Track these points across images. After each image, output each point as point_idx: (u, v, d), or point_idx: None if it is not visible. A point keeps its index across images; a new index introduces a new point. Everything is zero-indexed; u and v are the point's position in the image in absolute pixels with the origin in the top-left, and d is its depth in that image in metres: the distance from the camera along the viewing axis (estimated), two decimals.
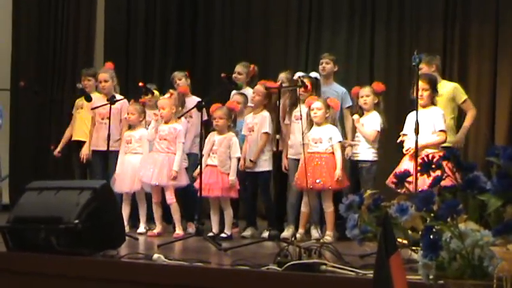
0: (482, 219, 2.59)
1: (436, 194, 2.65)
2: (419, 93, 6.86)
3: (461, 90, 7.60)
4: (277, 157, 7.38)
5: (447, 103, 7.39)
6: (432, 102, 7.00)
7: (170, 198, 7.60)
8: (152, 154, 7.71)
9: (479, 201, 2.57)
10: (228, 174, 7.43)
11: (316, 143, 7.31)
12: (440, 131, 6.91)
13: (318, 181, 7.22)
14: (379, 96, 7.53)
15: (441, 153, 3.22)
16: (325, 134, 7.34)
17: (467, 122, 7.64)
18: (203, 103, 7.22)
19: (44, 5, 10.92)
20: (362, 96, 7.47)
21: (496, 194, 2.51)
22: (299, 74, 7.64)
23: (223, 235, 7.33)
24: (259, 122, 7.64)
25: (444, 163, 2.79)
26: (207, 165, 7.45)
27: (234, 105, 7.71)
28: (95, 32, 10.90)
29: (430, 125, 6.88)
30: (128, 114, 7.99)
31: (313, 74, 7.72)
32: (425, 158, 2.79)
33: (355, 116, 7.46)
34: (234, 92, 8.11)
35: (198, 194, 7.12)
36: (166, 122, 7.69)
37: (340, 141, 7.36)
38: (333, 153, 7.31)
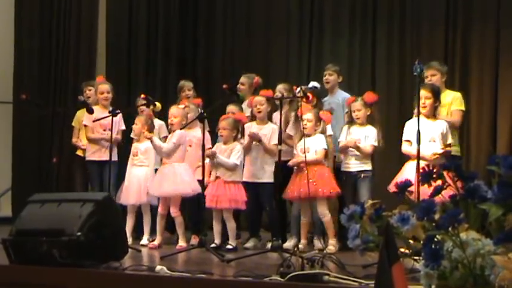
0: (484, 229, 2.59)
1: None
2: (422, 101, 6.87)
3: (460, 100, 7.49)
4: (279, 168, 7.36)
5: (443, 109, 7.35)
6: (434, 113, 7.00)
7: (175, 211, 7.59)
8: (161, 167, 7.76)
9: (481, 210, 2.57)
10: (233, 182, 7.43)
11: (303, 152, 7.29)
12: (448, 144, 6.96)
13: (320, 190, 7.22)
14: (372, 107, 7.51)
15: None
16: (314, 144, 7.34)
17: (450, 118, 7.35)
18: (205, 114, 7.24)
19: (46, 18, 10.94)
20: (354, 111, 7.45)
21: (497, 202, 2.51)
22: (301, 86, 7.61)
23: (229, 247, 7.30)
24: (268, 133, 7.63)
25: (445, 173, 2.80)
26: (216, 177, 7.48)
27: (242, 117, 7.72)
28: (96, 44, 10.92)
29: (436, 137, 6.89)
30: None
31: (312, 84, 7.70)
32: (426, 168, 2.80)
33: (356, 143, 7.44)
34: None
35: (205, 205, 7.16)
36: (173, 131, 7.72)
37: (325, 149, 7.36)
38: (320, 162, 7.32)
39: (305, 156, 7.11)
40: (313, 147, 7.34)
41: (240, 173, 7.51)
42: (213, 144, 7.86)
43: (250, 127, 7.77)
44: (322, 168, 7.35)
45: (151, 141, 7.63)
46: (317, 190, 7.21)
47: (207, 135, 7.80)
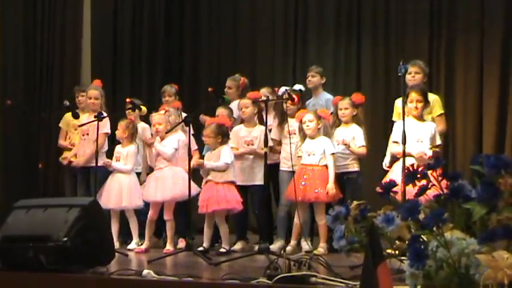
0: (470, 229, 2.60)
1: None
2: (414, 104, 6.90)
3: (440, 104, 7.55)
4: (267, 170, 7.35)
5: (426, 116, 7.38)
6: (422, 114, 7.05)
7: (168, 215, 7.60)
8: (154, 172, 7.78)
9: (465, 210, 2.58)
10: (225, 183, 7.40)
11: (309, 155, 7.32)
12: (439, 145, 7.02)
13: (316, 191, 7.23)
14: (358, 108, 7.54)
15: None
16: (319, 146, 7.34)
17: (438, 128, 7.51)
18: (190, 118, 7.24)
19: (30, 22, 10.89)
20: (341, 109, 7.49)
21: (480, 202, 2.52)
22: (285, 88, 7.64)
23: (222, 250, 7.31)
24: (258, 135, 7.64)
25: (429, 172, 2.81)
26: (206, 181, 7.47)
27: (224, 120, 7.71)
28: (81, 49, 10.87)
29: (424, 138, 6.92)
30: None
31: (297, 87, 7.72)
32: (410, 168, 2.80)
33: (344, 141, 7.43)
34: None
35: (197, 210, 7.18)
36: (162, 138, 7.71)
37: (333, 153, 7.35)
38: (325, 165, 7.32)
39: (290, 161, 7.13)
40: (318, 150, 7.33)
41: (233, 174, 7.48)
42: (199, 146, 7.87)
43: (240, 130, 7.78)
44: (325, 173, 7.33)
45: (155, 147, 7.65)
46: (320, 195, 7.21)
47: (192, 139, 7.81)
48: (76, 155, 8.50)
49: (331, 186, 7.22)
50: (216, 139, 7.48)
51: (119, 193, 7.81)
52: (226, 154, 7.43)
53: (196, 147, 7.90)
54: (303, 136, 7.43)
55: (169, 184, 7.62)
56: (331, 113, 7.72)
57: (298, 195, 7.13)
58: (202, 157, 7.78)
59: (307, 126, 7.35)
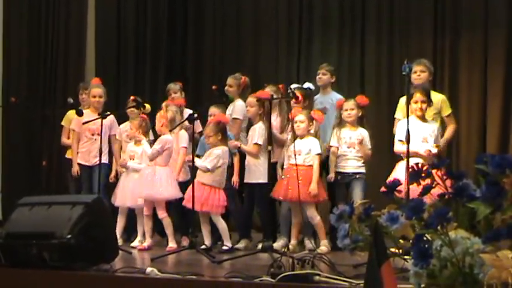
0: (474, 228, 2.60)
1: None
2: (419, 105, 6.91)
3: (448, 103, 7.60)
4: (270, 168, 7.36)
5: (436, 115, 7.40)
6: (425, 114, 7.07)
7: (161, 213, 7.58)
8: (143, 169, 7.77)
9: (469, 209, 2.58)
10: (209, 185, 7.39)
11: (295, 154, 7.32)
12: (438, 145, 7.06)
13: (290, 189, 7.25)
14: (363, 109, 7.56)
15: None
16: (305, 146, 7.37)
17: (448, 135, 7.56)
18: (195, 115, 7.24)
19: (35, 21, 10.91)
20: (346, 110, 7.50)
21: (485, 201, 2.51)
22: (293, 85, 7.65)
23: (224, 247, 7.30)
24: (251, 134, 7.69)
25: (434, 171, 2.81)
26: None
27: (221, 117, 7.71)
28: (85, 47, 10.90)
29: (428, 136, 6.95)
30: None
31: (307, 85, 7.75)
32: (415, 167, 2.80)
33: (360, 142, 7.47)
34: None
35: (190, 207, 7.14)
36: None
37: (319, 154, 7.37)
38: (311, 165, 7.33)
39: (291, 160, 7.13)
40: (304, 149, 7.35)
41: (218, 179, 7.46)
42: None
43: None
44: (309, 173, 7.34)
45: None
46: (305, 195, 7.22)
47: (185, 134, 7.81)
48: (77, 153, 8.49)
49: (313, 187, 7.25)
50: (216, 137, 7.48)
51: (135, 191, 7.80)
52: (212, 158, 7.42)
53: (184, 144, 7.85)
54: (294, 135, 7.44)
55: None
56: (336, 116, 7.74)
57: (284, 194, 7.23)
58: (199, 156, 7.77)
59: (298, 126, 7.39)
